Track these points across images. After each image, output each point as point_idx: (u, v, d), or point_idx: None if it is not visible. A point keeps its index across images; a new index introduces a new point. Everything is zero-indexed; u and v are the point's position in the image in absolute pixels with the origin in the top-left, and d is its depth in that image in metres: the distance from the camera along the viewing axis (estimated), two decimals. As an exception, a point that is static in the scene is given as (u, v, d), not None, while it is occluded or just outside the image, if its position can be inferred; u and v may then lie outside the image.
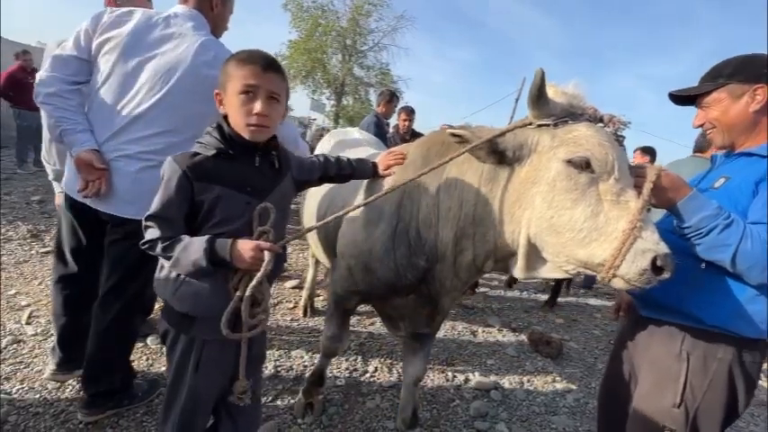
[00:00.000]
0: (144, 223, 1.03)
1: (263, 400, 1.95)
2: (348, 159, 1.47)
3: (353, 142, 2.48)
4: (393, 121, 4.82)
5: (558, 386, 2.56)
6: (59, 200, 1.91)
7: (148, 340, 2.28)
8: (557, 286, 4.13)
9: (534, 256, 1.12)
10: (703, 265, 1.05)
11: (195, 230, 1.05)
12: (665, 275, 0.90)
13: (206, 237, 0.98)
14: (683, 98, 1.22)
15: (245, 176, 1.07)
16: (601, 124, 1.11)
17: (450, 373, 2.49)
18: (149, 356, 2.17)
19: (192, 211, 1.04)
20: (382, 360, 2.52)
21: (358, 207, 1.27)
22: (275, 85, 1.04)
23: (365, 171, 1.50)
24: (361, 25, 19.64)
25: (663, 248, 0.91)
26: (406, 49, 20.38)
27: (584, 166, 0.99)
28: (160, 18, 1.56)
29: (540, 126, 1.07)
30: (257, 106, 1.01)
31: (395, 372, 2.41)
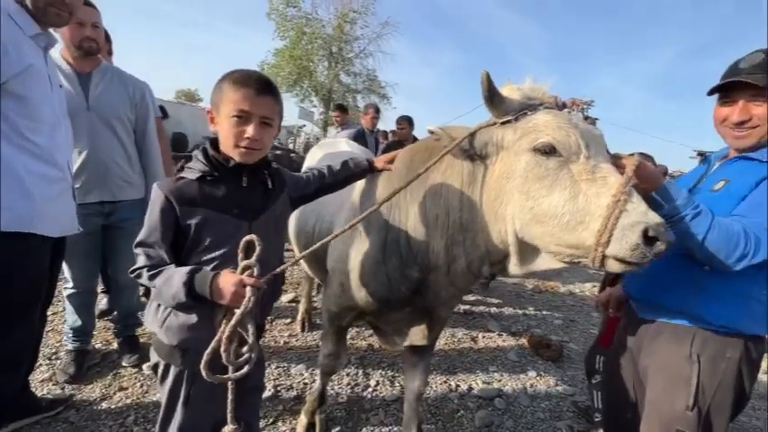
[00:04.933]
0: (134, 250, 1.02)
1: (263, 423, 1.90)
2: (341, 163, 1.44)
3: (343, 154, 2.46)
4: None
5: (561, 390, 2.55)
6: None
7: (144, 367, 2.21)
8: None
9: (526, 250, 1.12)
10: (707, 267, 1.05)
11: (186, 257, 1.03)
12: (660, 246, 0.87)
13: (188, 268, 0.95)
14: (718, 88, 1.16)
15: (231, 198, 1.05)
16: (566, 110, 1.13)
17: (453, 383, 2.47)
18: (143, 383, 2.11)
19: (179, 238, 1.02)
20: (384, 373, 2.48)
21: (351, 226, 1.24)
22: (269, 110, 1.03)
23: (361, 168, 1.44)
24: (346, 32, 19.69)
25: (653, 218, 0.88)
26: (391, 55, 20.40)
27: (548, 150, 1.00)
28: None
29: (503, 123, 1.10)
30: (249, 131, 0.99)
31: (397, 384, 2.38)
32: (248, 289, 0.93)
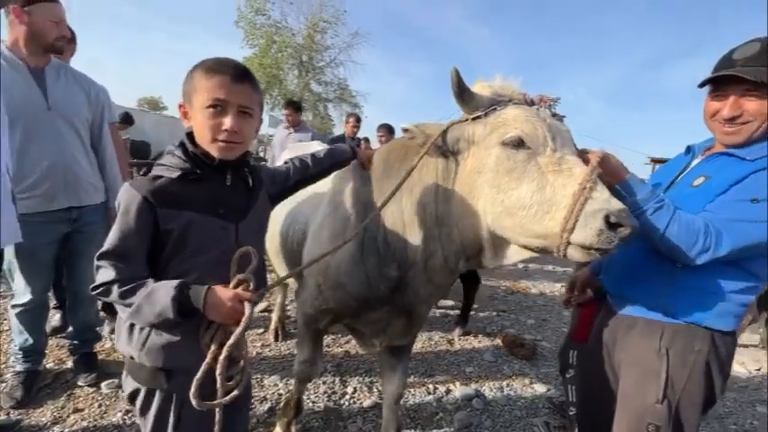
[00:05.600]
0: (96, 263, 0.87)
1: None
2: (326, 151, 1.38)
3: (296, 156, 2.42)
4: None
5: (537, 387, 2.59)
6: None
7: (102, 385, 2.05)
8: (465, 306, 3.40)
9: (499, 243, 1.14)
10: (679, 264, 1.08)
11: (165, 264, 0.92)
12: (625, 231, 0.89)
13: (175, 282, 0.84)
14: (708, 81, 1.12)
15: (217, 198, 0.96)
16: (535, 106, 1.16)
17: (431, 386, 2.45)
18: (101, 403, 1.96)
19: (157, 245, 0.90)
20: (361, 379, 2.43)
21: (356, 235, 1.24)
22: (247, 98, 0.93)
23: (346, 156, 1.39)
24: (316, 42, 19.68)
25: (615, 204, 0.91)
26: (362, 64, 20.52)
27: (517, 143, 1.02)
28: None
29: (473, 119, 1.12)
30: (227, 122, 0.89)
31: (375, 390, 2.33)
32: (246, 305, 0.86)
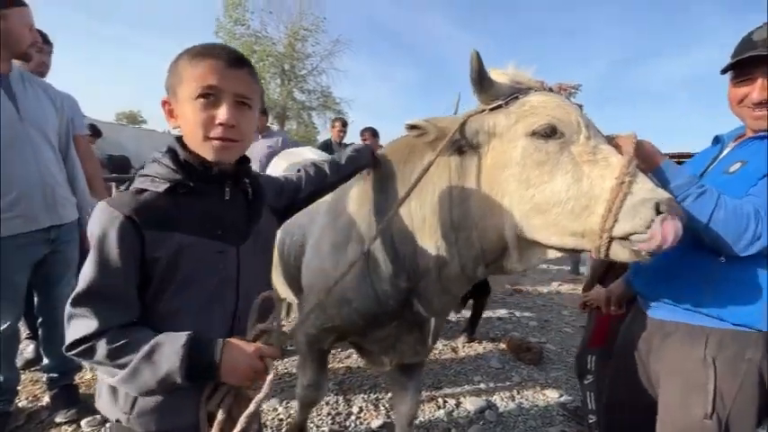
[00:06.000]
0: (69, 311, 0.68)
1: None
2: (349, 156, 1.23)
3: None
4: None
5: (548, 393, 2.49)
6: None
7: (83, 423, 1.86)
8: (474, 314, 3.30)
9: (526, 244, 1.03)
10: (723, 258, 0.98)
11: (150, 303, 0.75)
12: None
13: (182, 336, 0.68)
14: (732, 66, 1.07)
15: (214, 216, 0.79)
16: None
17: (440, 399, 2.32)
18: (84, 443, 1.77)
19: (141, 279, 0.73)
20: (366, 397, 2.29)
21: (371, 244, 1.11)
22: (245, 86, 0.77)
23: (367, 159, 1.25)
24: (298, 50, 19.57)
25: (663, 194, 0.84)
26: (345, 71, 20.45)
27: (549, 133, 0.93)
28: None
29: (492, 109, 1.02)
30: (221, 113, 0.73)
31: (381, 408, 2.20)
32: (269, 362, 0.72)
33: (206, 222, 0.77)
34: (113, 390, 0.77)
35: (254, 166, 2.35)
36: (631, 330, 1.26)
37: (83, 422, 1.87)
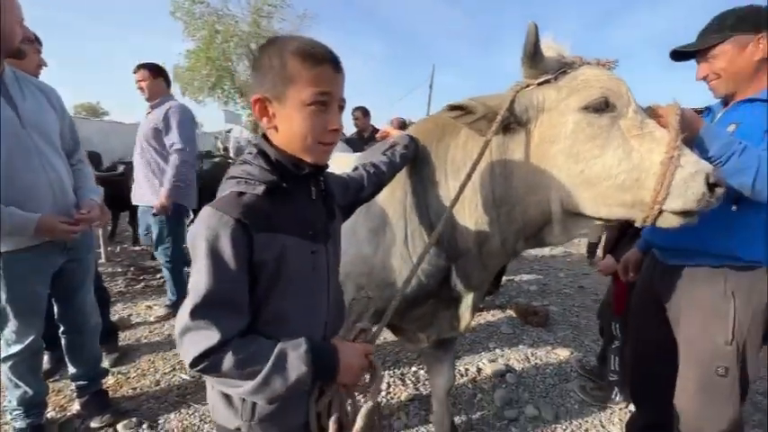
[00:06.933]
0: (186, 323, 0.65)
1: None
2: (400, 152, 1.22)
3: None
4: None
5: (559, 352, 2.65)
6: None
7: (119, 427, 1.87)
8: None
9: (570, 217, 1.07)
10: (734, 207, 1.10)
11: (256, 309, 0.74)
12: (720, 191, 0.88)
13: (301, 342, 0.69)
14: (680, 54, 1.27)
15: (306, 216, 0.79)
16: None
17: (461, 367, 2.44)
18: (126, 446, 1.79)
19: (249, 283, 0.72)
20: (391, 373, 2.38)
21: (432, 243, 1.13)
22: (343, 90, 0.78)
23: (414, 150, 1.25)
24: (263, 27, 18.65)
25: (707, 165, 0.89)
26: (314, 47, 19.66)
27: (602, 106, 0.95)
28: None
29: (540, 84, 1.03)
30: (336, 120, 0.74)
31: (408, 382, 2.29)
32: (374, 360, 0.75)
33: (300, 222, 0.77)
34: (229, 400, 0.78)
35: None
36: (650, 282, 1.40)
37: (119, 426, 1.87)
